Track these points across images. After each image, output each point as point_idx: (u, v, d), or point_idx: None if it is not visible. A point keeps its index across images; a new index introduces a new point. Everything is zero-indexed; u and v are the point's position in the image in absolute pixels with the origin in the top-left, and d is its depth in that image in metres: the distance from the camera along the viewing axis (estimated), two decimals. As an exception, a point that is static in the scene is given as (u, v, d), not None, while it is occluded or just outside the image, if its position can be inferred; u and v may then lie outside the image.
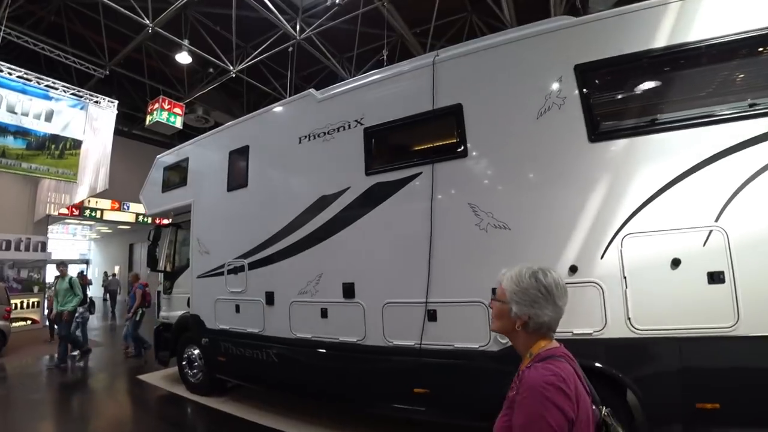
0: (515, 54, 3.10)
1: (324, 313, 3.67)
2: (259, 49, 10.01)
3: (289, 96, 6.78)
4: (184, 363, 5.13)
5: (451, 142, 3.28)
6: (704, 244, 2.46)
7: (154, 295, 6.45)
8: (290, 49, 9.98)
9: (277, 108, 4.37)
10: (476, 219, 3.09)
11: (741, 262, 2.38)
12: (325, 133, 3.81)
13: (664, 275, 2.52)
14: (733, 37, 2.48)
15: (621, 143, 2.72)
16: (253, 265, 4.24)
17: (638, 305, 2.57)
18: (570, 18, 3.03)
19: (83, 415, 4.73)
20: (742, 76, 2.68)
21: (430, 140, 3.39)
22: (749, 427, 2.39)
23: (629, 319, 2.58)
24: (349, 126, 3.68)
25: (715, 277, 2.44)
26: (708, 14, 2.57)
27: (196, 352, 4.97)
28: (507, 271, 1.22)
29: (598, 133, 2.76)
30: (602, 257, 2.70)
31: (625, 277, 2.62)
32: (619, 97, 2.91)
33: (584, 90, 2.80)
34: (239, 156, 4.51)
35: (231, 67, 10.48)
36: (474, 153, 3.16)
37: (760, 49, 2.51)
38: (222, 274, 4.53)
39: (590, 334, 2.66)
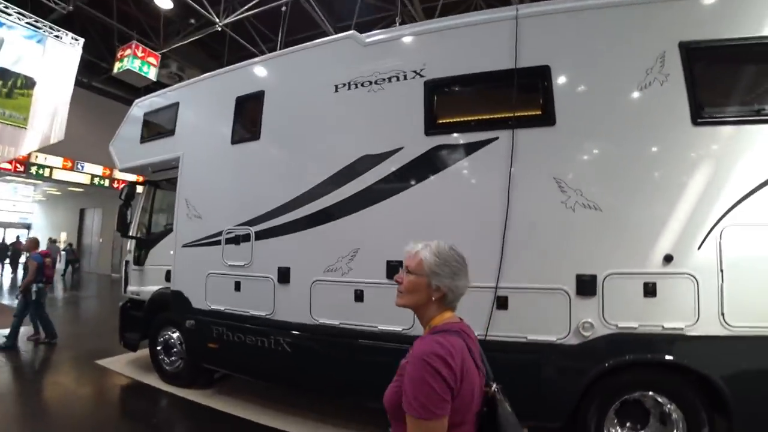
0: (616, 20, 2.70)
1: (359, 296, 3.06)
2: (250, 4, 9.00)
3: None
4: (159, 348, 4.29)
5: (535, 107, 2.80)
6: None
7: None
8: (284, 8, 9.07)
9: (306, 50, 3.64)
10: (563, 196, 2.64)
11: None
12: (371, 83, 3.17)
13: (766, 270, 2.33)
14: None
15: (726, 130, 2.48)
16: (262, 235, 3.52)
17: (734, 301, 2.36)
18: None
19: (33, 410, 3.77)
20: None
21: (510, 103, 2.85)
22: None
23: (723, 314, 2.37)
24: (405, 77, 3.07)
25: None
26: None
27: (176, 335, 4.15)
28: (417, 245, 1.24)
29: (703, 116, 2.48)
30: (699, 248, 2.43)
31: (722, 271, 2.39)
32: (727, 82, 2.63)
33: (690, 70, 2.50)
34: (250, 103, 3.73)
35: (217, 19, 9.36)
36: (563, 122, 2.70)
37: None
38: (218, 243, 3.76)
39: (681, 329, 2.41)
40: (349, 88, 3.25)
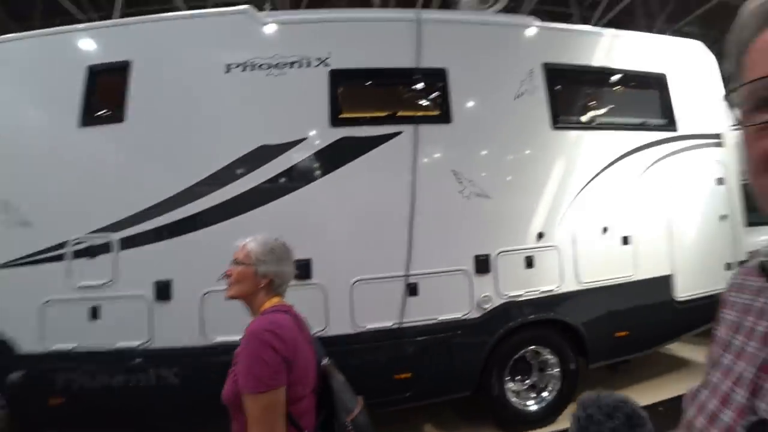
0: (501, 35, 3.27)
1: (265, 303, 2.76)
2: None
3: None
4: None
5: (435, 105, 3.05)
6: (620, 217, 3.25)
7: None
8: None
9: (192, 19, 3.08)
10: (459, 186, 2.96)
11: (638, 231, 3.26)
12: (271, 66, 2.90)
13: (596, 239, 3.17)
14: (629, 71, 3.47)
15: (573, 134, 3.28)
16: (130, 242, 2.82)
17: (583, 263, 3.11)
18: (540, 22, 3.36)
19: None
20: (633, 99, 3.64)
21: (412, 99, 3.03)
22: (654, 344, 3.44)
23: (577, 274, 3.09)
24: (309, 64, 2.92)
25: (626, 240, 3.24)
26: (622, 50, 3.48)
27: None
28: (244, 240, 1.36)
29: (558, 123, 3.20)
30: (559, 225, 3.11)
31: (574, 242, 3.10)
32: (573, 97, 3.47)
33: (549, 85, 3.20)
34: (111, 75, 2.95)
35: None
36: (458, 121, 3.02)
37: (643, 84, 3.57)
38: (60, 258, 2.84)
39: (552, 290, 3.05)
40: (244, 70, 2.90)
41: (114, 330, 2.79)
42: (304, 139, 2.87)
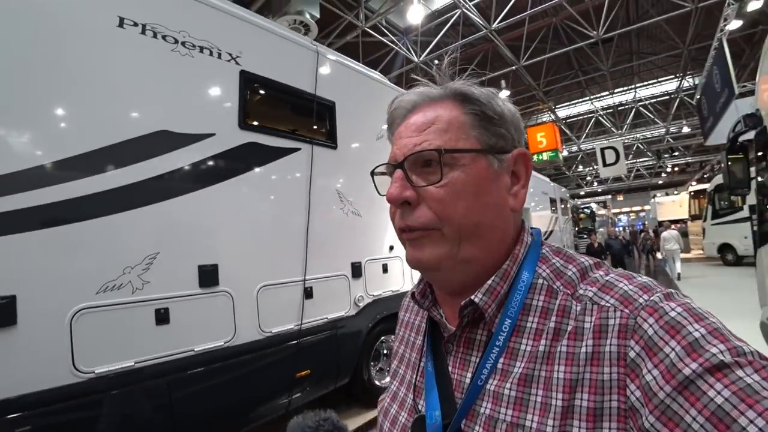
0: (374, 89, 4.06)
1: (163, 317, 2.25)
2: None
3: None
4: None
5: (325, 131, 3.49)
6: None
7: None
8: None
9: None
10: (341, 204, 3.52)
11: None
12: (178, 42, 2.51)
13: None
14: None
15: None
16: None
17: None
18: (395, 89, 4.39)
19: None
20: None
21: (310, 121, 3.34)
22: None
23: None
24: (220, 56, 2.74)
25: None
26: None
27: None
28: None
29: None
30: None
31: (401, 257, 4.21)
32: None
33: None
34: None
35: None
36: (341, 148, 3.59)
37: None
38: None
39: (398, 289, 3.95)
40: (144, 33, 2.36)
41: None
42: (212, 135, 2.63)
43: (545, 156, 14.36)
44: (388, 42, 10.25)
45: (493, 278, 0.52)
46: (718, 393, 0.35)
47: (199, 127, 2.57)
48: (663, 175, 31.01)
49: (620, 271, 0.50)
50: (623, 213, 37.47)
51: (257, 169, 2.89)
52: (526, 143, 0.56)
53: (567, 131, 20.00)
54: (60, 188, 1.97)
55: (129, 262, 2.18)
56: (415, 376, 0.60)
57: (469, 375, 0.52)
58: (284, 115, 3.31)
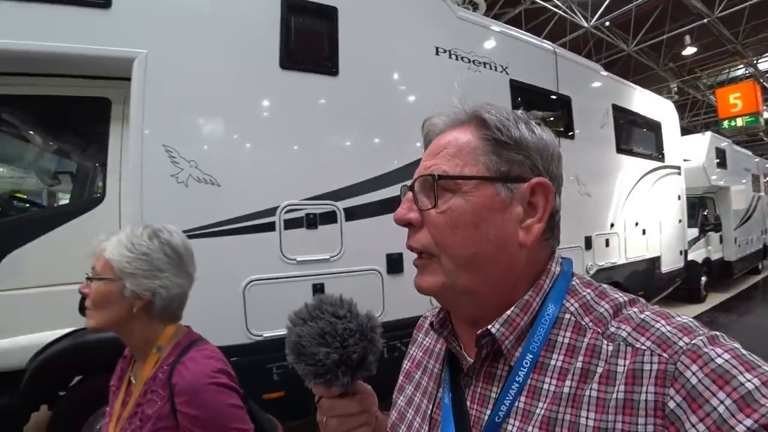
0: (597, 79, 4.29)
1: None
2: None
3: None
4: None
5: (565, 123, 3.92)
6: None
7: None
8: None
9: None
10: (577, 186, 3.91)
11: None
12: (470, 61, 3.22)
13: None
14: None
15: None
16: (353, 213, 2.61)
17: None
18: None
19: None
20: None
21: (555, 116, 3.86)
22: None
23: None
24: (496, 68, 3.37)
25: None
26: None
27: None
28: (105, 238, 0.94)
29: None
30: None
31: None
32: None
33: None
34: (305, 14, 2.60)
35: None
36: (577, 138, 3.96)
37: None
38: (261, 229, 2.38)
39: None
40: (450, 57, 3.10)
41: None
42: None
43: (740, 122, 12.03)
44: (551, 7, 9.81)
45: (512, 309, 0.48)
46: None
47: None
48: None
49: (657, 309, 0.46)
50: None
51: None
52: (551, 174, 0.52)
53: (770, 87, 16.14)
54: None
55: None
56: (431, 407, 0.57)
57: (488, 411, 0.49)
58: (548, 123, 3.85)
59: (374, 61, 2.80)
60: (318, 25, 2.66)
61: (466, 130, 0.52)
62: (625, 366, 0.41)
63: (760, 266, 10.38)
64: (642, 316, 0.44)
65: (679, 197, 5.64)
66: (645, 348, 0.41)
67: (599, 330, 0.45)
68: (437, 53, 3.06)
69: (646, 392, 0.38)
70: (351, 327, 0.53)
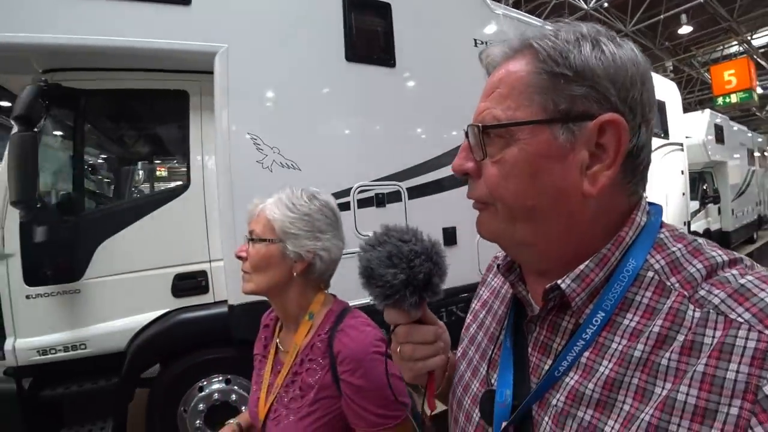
0: None
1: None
2: None
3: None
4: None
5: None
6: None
7: None
8: None
9: None
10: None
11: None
12: (505, 56, 3.49)
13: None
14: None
15: None
16: (414, 192, 2.91)
17: None
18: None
19: None
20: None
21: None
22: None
23: None
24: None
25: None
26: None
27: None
28: (263, 200, 0.94)
29: None
30: None
31: None
32: None
33: None
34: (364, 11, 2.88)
35: None
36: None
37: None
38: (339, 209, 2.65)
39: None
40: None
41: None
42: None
43: (734, 98, 12.39)
44: (548, -14, 9.98)
45: (587, 263, 0.43)
46: None
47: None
48: None
49: (763, 272, 0.38)
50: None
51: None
52: (631, 104, 0.42)
53: (763, 63, 16.51)
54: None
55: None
56: (492, 348, 0.55)
57: (549, 362, 0.46)
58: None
59: (424, 53, 3.08)
60: (375, 20, 2.93)
61: (520, 63, 0.45)
62: (713, 338, 0.35)
63: (755, 236, 10.89)
64: (742, 280, 0.37)
65: (682, 172, 6.00)
66: (742, 321, 0.34)
67: (686, 293, 0.39)
68: (475, 45, 3.33)
69: (736, 371, 0.33)
70: (416, 249, 0.54)
